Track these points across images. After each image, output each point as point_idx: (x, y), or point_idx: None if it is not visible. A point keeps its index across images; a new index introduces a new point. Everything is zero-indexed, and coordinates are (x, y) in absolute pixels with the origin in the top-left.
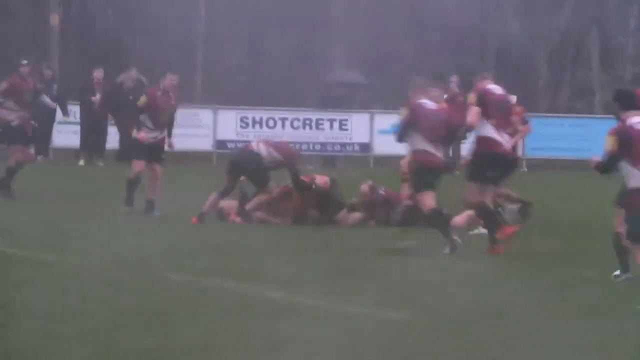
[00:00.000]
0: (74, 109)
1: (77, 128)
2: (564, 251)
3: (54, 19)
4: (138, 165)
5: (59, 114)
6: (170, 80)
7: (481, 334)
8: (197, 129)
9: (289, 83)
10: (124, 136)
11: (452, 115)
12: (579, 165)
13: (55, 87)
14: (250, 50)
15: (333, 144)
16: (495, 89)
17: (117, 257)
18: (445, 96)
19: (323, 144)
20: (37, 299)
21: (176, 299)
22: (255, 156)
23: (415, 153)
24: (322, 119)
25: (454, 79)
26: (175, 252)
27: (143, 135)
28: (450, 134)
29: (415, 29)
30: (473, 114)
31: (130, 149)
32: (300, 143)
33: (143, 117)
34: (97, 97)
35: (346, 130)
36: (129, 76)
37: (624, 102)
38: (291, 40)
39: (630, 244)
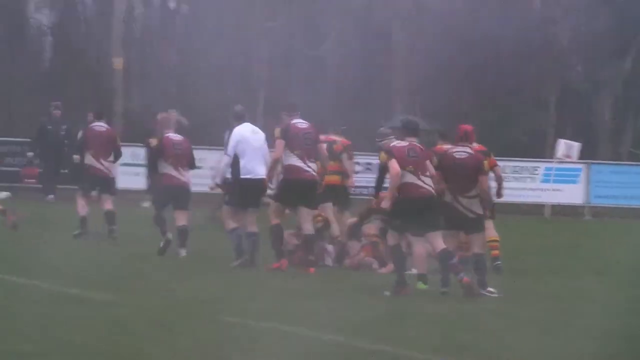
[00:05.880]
0: (138, 151)
1: (139, 170)
2: (623, 299)
3: (118, 63)
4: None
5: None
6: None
7: None
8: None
9: (346, 125)
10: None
11: None
12: None
13: (64, 127)
14: (308, 92)
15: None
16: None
17: (173, 298)
18: None
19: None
20: (94, 339)
21: (231, 341)
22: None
23: None
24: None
25: None
26: (230, 294)
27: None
28: None
29: (472, 74)
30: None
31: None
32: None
33: None
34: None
35: None
36: (169, 117)
37: None
38: (348, 82)
39: None
